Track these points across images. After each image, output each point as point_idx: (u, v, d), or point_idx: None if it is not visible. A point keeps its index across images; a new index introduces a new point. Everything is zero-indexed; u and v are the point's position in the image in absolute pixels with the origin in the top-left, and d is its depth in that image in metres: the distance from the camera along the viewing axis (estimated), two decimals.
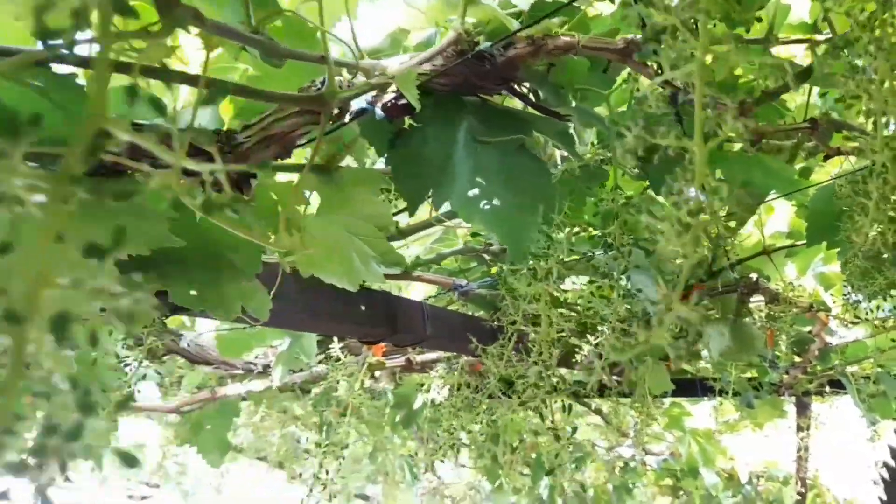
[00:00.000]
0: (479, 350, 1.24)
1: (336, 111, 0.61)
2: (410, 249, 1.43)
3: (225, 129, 0.61)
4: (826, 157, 1.04)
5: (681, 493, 4.43)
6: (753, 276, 1.49)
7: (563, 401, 2.59)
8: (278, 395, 1.93)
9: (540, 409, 2.32)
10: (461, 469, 4.93)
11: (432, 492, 5.54)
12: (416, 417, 2.46)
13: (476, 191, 0.62)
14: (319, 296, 0.98)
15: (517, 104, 0.77)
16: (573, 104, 0.81)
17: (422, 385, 2.38)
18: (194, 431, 2.01)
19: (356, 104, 0.62)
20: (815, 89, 1.10)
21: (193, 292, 0.70)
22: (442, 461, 1.97)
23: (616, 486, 4.19)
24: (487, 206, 0.61)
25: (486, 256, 1.21)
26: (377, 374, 2.21)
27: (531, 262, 1.06)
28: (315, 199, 0.81)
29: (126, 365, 1.17)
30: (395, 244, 1.23)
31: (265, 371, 1.85)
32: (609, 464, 4.00)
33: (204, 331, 1.66)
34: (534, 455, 3.74)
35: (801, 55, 1.14)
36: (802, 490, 3.64)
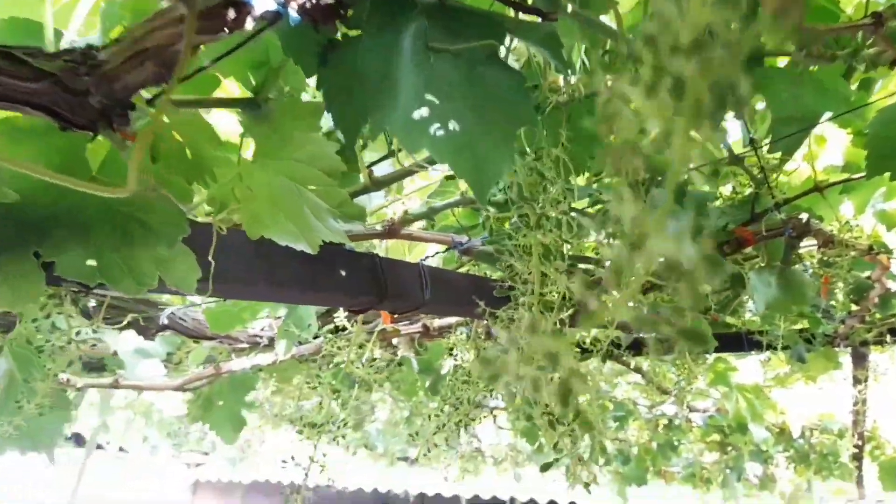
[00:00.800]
0: (486, 314, 1.09)
1: (231, 14, 0.46)
2: (411, 203, 1.28)
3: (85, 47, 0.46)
4: (893, 65, 0.84)
5: (729, 448, 4.29)
6: (803, 216, 1.29)
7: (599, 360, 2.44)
8: (292, 367, 1.82)
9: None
10: (501, 431, 4.85)
11: (473, 454, 5.49)
12: (442, 383, 2.34)
13: (424, 111, 0.46)
14: (284, 260, 0.84)
15: (485, 1, 0.60)
16: (569, 9, 0.64)
17: (451, 350, 2.26)
18: (205, 408, 1.92)
19: (260, 3, 0.46)
20: None
21: (91, 262, 0.56)
22: (465, 429, 1.85)
23: (660, 443, 4.07)
24: (441, 132, 0.46)
25: (489, 208, 1.06)
26: (396, 341, 2.09)
27: (522, 208, 0.91)
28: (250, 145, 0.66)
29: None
30: (378, 199, 1.08)
31: (272, 344, 1.74)
32: (652, 422, 3.87)
33: (203, 303, 1.55)
34: (573, 415, 3.62)
35: None
36: (859, 443, 3.45)
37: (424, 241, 1.15)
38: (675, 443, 4.16)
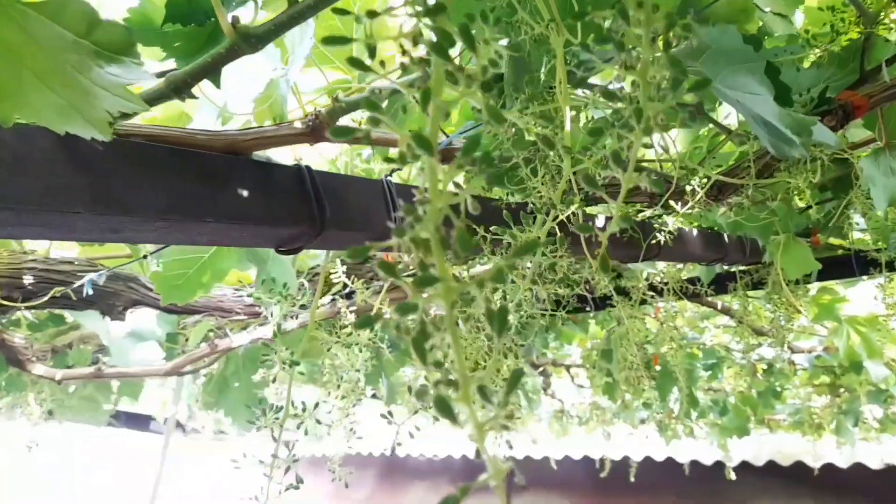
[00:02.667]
0: (487, 243, 0.78)
1: None
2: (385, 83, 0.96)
3: None
4: None
5: (841, 390, 3.84)
6: None
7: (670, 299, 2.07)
8: (297, 337, 1.56)
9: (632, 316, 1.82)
10: (582, 389, 4.53)
11: (557, 414, 5.21)
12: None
13: None
14: (124, 172, 0.55)
15: None
16: None
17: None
18: (218, 392, 1.70)
19: None
20: None
21: None
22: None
23: (761, 391, 3.67)
24: None
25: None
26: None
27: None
28: None
29: None
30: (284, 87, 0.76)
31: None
32: (749, 368, 3.45)
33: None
34: (658, 367, 3.29)
35: None
36: None
37: (372, 145, 0.85)
38: (778, 389, 3.75)
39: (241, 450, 1.07)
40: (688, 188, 0.98)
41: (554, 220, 0.61)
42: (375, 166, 1.29)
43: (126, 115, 0.46)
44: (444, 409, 0.26)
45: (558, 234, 0.64)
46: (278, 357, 0.85)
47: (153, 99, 0.58)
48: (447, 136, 0.79)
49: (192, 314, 1.37)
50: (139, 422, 5.84)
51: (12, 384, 1.81)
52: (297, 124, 0.70)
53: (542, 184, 0.61)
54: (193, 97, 0.59)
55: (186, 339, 1.73)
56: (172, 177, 0.59)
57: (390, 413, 0.85)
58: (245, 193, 0.63)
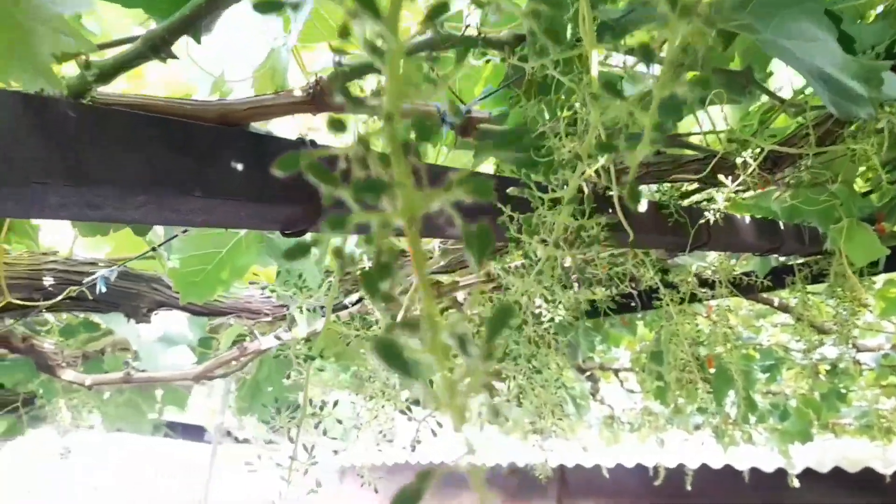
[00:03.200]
0: (514, 222, 0.70)
1: None
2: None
3: None
4: None
5: None
6: None
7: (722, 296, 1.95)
8: (331, 339, 1.51)
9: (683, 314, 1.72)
10: (632, 394, 4.38)
11: (607, 420, 5.06)
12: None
13: None
14: (105, 145, 0.49)
15: None
16: None
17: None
18: (251, 396, 1.65)
19: None
20: None
21: None
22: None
23: (824, 393, 3.48)
24: None
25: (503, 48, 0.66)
26: (461, 298, 1.73)
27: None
28: None
29: None
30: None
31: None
32: (810, 368, 3.27)
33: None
34: (712, 370, 3.14)
35: None
36: None
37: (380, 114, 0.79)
38: (843, 390, 3.56)
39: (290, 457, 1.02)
40: (738, 161, 0.89)
41: (581, 175, 0.53)
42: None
43: (69, 56, 0.41)
44: (392, 357, 0.19)
45: (586, 191, 0.56)
46: (293, 352, 0.79)
47: (130, 60, 0.53)
48: (464, 105, 0.72)
49: (219, 315, 1.33)
50: (194, 432, 5.90)
51: (49, 392, 1.80)
52: (297, 92, 0.64)
53: (568, 137, 0.54)
54: (174, 57, 0.54)
55: (219, 344, 1.69)
56: (155, 147, 0.53)
57: (409, 409, 0.78)
58: (239, 167, 0.57)
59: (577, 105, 0.54)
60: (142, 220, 0.58)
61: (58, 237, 1.34)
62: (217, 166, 0.57)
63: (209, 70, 0.81)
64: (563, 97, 0.55)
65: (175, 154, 0.54)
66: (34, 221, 1.12)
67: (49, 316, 1.53)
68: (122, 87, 0.81)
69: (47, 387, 1.73)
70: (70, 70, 0.56)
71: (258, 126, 0.63)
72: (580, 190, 0.55)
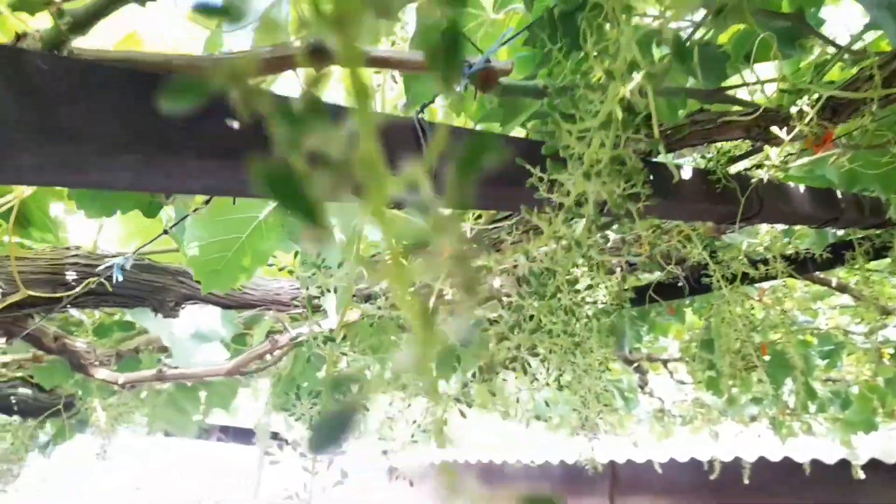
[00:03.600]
0: (544, 186, 0.64)
1: None
2: None
3: None
4: None
5: None
6: None
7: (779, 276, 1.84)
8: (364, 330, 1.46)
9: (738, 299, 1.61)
10: (683, 385, 4.25)
11: (657, 414, 4.92)
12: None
13: None
14: (83, 99, 0.45)
15: None
16: None
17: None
18: (287, 392, 1.61)
19: None
20: None
21: None
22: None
23: (888, 378, 3.31)
24: None
25: None
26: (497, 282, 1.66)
27: None
28: None
29: None
30: None
31: None
32: (873, 352, 3.10)
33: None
34: (767, 357, 3.01)
35: None
36: None
37: (389, 67, 0.71)
38: None
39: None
40: (793, 111, 0.80)
41: (615, 97, 0.46)
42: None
43: (41, 5, 0.36)
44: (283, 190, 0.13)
45: (619, 116, 0.49)
46: (311, 335, 0.74)
47: (106, 4, 0.48)
48: (482, 53, 0.65)
49: (248, 308, 1.29)
50: (245, 436, 5.95)
51: (87, 392, 1.80)
52: (299, 43, 0.59)
53: (599, 56, 0.47)
54: None
55: (252, 340, 1.66)
56: (138, 102, 0.48)
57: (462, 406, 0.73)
58: (235, 125, 0.52)
59: (607, 27, 0.47)
60: (133, 187, 0.53)
61: (83, 236, 1.33)
62: (209, 123, 0.52)
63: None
64: (590, 28, 0.48)
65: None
66: (56, 216, 1.10)
67: (82, 316, 1.51)
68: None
69: (85, 388, 1.72)
70: (44, 23, 0.52)
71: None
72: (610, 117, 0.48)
